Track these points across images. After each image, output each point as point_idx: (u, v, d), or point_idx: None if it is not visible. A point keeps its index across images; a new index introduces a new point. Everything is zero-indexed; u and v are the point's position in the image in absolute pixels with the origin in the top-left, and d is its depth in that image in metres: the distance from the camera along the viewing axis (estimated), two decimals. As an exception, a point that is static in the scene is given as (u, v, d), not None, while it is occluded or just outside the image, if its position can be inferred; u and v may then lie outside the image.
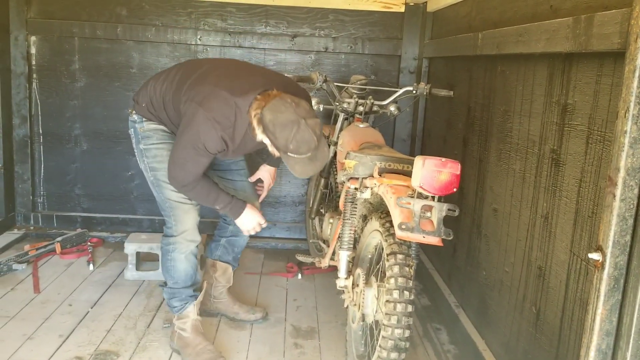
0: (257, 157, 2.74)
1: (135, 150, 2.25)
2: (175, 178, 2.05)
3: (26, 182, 3.53)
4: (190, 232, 2.22)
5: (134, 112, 2.21)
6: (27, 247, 3.17)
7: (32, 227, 3.56)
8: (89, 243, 3.37)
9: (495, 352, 2.11)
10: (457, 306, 2.54)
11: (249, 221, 2.20)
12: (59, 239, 3.24)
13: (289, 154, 1.85)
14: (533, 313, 1.80)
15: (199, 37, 3.40)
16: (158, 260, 2.97)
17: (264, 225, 2.27)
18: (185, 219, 2.20)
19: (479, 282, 2.31)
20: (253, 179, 2.50)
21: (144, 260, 3.10)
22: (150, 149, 2.18)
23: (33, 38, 3.41)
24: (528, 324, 1.84)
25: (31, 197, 3.56)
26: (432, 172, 1.62)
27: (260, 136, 1.91)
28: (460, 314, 2.46)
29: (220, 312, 2.60)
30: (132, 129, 2.24)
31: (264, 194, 2.51)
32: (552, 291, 1.68)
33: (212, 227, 2.87)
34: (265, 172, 2.51)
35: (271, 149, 1.93)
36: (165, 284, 2.31)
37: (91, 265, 3.09)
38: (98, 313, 2.59)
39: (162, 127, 2.19)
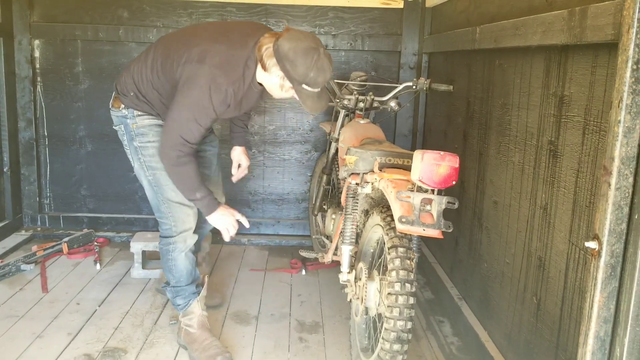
0: (224, 131, 2.98)
1: (128, 148, 2.16)
2: (173, 146, 1.92)
3: (32, 184, 3.57)
4: (189, 233, 2.24)
5: (122, 106, 2.11)
6: (34, 247, 3.21)
7: (39, 228, 3.60)
8: (95, 243, 3.40)
9: (498, 343, 2.13)
10: (460, 298, 2.56)
11: (223, 220, 2.12)
12: (66, 239, 3.28)
13: (304, 85, 1.84)
14: (534, 303, 1.82)
15: (200, 37, 3.42)
16: (163, 259, 3.02)
17: (243, 221, 2.16)
18: (185, 221, 2.21)
19: (480, 274, 2.33)
20: (235, 169, 2.56)
21: (149, 258, 3.13)
22: (147, 147, 2.12)
23: (36, 42, 3.44)
24: (529, 314, 1.86)
25: (38, 199, 3.60)
26: (431, 165, 1.65)
27: (272, 70, 1.85)
28: (462, 306, 2.49)
29: None
30: (121, 125, 2.14)
31: (243, 173, 2.57)
32: (552, 281, 1.70)
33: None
34: (240, 154, 2.56)
35: (280, 83, 1.88)
36: (167, 284, 2.34)
37: (98, 265, 3.13)
38: (105, 311, 2.63)
39: (156, 121, 2.12)
